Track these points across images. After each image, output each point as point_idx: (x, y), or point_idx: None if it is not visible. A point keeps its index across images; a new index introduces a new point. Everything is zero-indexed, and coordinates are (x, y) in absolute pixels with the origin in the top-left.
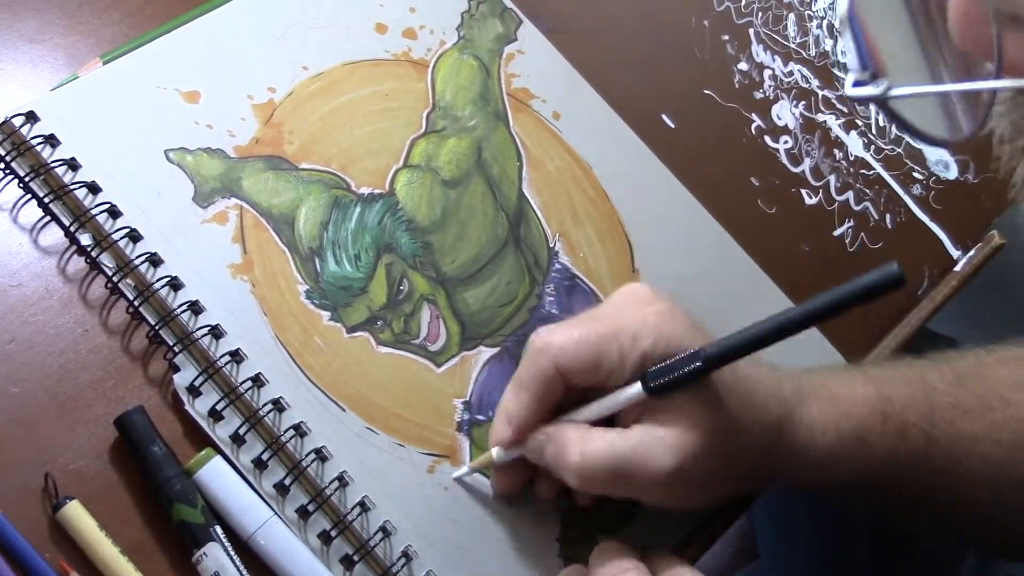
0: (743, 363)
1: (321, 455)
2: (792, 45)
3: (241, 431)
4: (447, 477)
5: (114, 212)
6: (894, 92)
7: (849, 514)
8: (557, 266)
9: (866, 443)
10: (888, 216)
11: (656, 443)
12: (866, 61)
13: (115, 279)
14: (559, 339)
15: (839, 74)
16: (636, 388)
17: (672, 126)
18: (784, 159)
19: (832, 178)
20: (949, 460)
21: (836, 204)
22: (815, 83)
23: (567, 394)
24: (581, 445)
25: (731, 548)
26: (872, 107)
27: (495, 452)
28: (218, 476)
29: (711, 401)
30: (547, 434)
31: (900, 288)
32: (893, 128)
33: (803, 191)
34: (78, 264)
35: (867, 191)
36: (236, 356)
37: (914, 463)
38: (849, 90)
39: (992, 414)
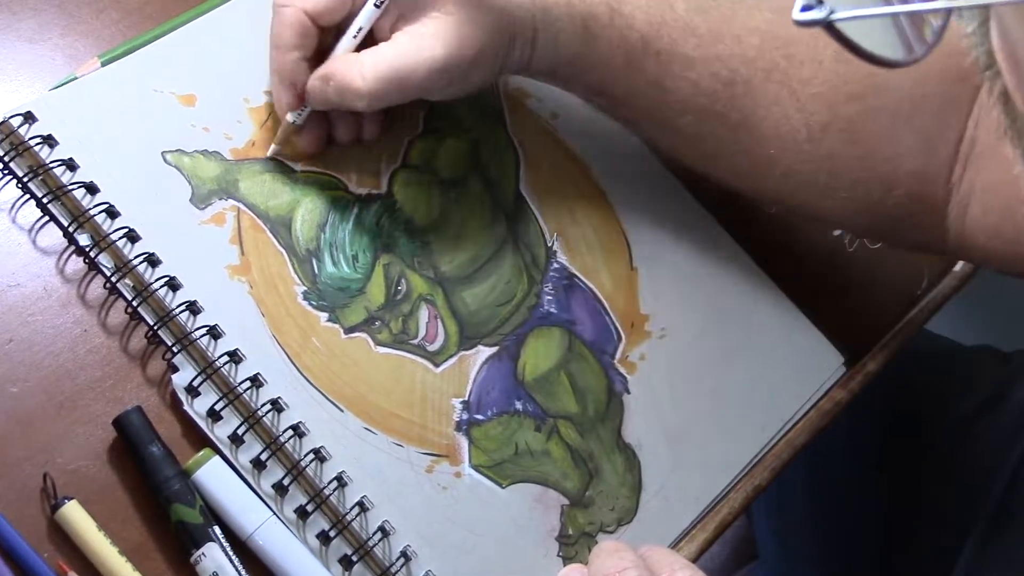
0: None
1: (319, 455)
2: None
3: (239, 431)
4: (446, 477)
5: (112, 212)
6: (838, 15)
7: (848, 513)
8: (555, 265)
9: (590, 31)
10: None
11: (420, 38)
12: None
13: (114, 279)
14: None
15: None
16: (368, 7)
17: None
18: None
19: None
20: (661, 75)
21: None
22: None
23: (324, 38)
24: (358, 68)
25: (729, 548)
26: None
27: (290, 117)
28: (216, 476)
29: None
30: (322, 76)
31: None
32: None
33: None
34: (77, 264)
35: None
36: (234, 356)
37: (629, 66)
38: (796, 15)
39: (719, 47)
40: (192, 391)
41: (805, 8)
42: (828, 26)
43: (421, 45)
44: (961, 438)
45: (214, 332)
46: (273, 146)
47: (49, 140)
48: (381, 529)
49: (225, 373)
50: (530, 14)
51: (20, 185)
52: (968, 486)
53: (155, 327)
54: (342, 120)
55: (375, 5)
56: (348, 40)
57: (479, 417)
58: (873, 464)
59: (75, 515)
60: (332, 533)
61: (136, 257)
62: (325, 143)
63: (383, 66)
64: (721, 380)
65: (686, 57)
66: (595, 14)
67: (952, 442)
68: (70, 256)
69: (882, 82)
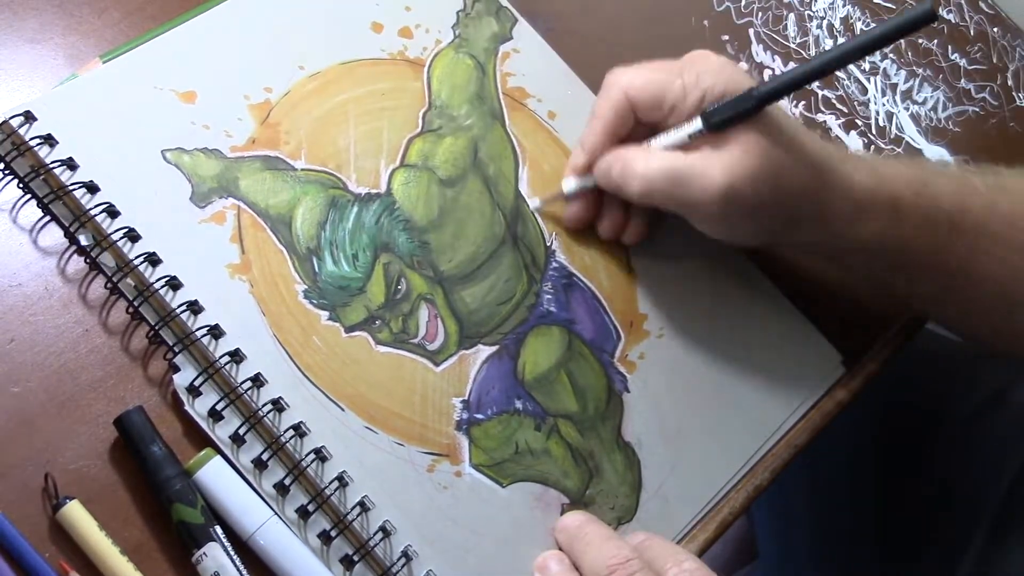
0: (798, 123)
1: (321, 455)
2: (792, 45)
3: (241, 431)
4: (447, 476)
5: (112, 212)
6: None
7: (850, 512)
8: (554, 264)
9: (896, 210)
10: None
11: (712, 160)
12: None
13: (115, 279)
14: (630, 72)
15: (839, 74)
16: (696, 123)
17: None
18: None
19: None
20: (969, 252)
21: None
22: (815, 83)
23: (635, 132)
24: (645, 157)
25: (731, 548)
26: (872, 108)
27: (565, 184)
28: (218, 476)
29: (764, 134)
30: (615, 154)
31: (932, 23)
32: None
33: None
34: (78, 264)
35: None
36: (235, 356)
37: (936, 245)
38: None
39: (1022, 222)
40: (193, 391)
41: None
42: None
43: (710, 166)
44: (962, 438)
45: (215, 332)
46: (537, 199)
47: (49, 140)
48: (382, 529)
49: (226, 373)
50: (828, 196)
51: (21, 185)
52: (969, 487)
53: (156, 327)
54: (610, 213)
55: (688, 136)
56: (653, 143)
57: (479, 416)
58: (873, 465)
59: (76, 515)
60: (333, 533)
61: (137, 257)
62: (586, 225)
63: (666, 163)
64: (720, 380)
65: (992, 233)
66: (901, 196)
67: (953, 443)
68: (71, 256)
69: None
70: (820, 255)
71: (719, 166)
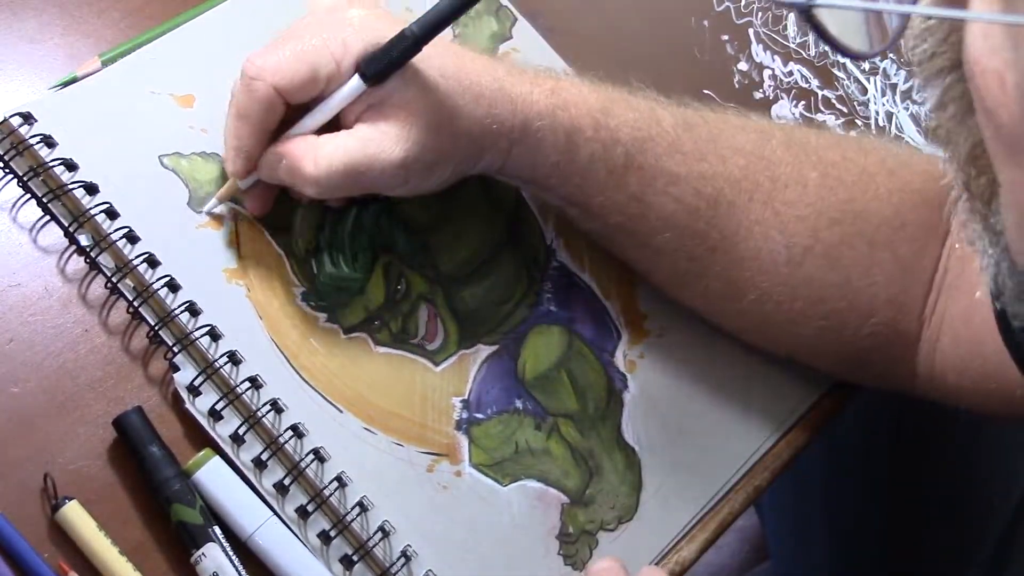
0: (462, 51)
1: (319, 456)
2: (792, 45)
3: (240, 431)
4: (447, 476)
5: (112, 213)
6: (817, 1)
7: (862, 514)
8: (555, 264)
9: (572, 141)
10: None
11: (383, 136)
12: None
13: (114, 279)
14: (272, 61)
15: (839, 74)
16: (354, 82)
17: None
18: None
19: None
20: (643, 189)
21: None
22: (815, 83)
23: (290, 111)
24: (313, 153)
25: (747, 548)
26: (872, 108)
27: (240, 182)
28: (217, 477)
29: (427, 87)
30: (276, 153)
31: None
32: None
33: None
34: (77, 264)
35: None
36: (233, 358)
37: (611, 179)
38: None
39: (702, 165)
40: (193, 391)
41: None
42: (806, 12)
43: (382, 144)
44: (975, 442)
45: (213, 333)
46: (213, 200)
47: (48, 140)
48: (381, 529)
49: (225, 374)
50: (507, 128)
51: (21, 184)
52: (981, 491)
53: (156, 327)
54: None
55: (348, 96)
56: (313, 118)
57: (479, 416)
58: (885, 467)
59: (75, 515)
60: (333, 533)
61: (136, 257)
62: (272, 203)
63: (338, 156)
64: (720, 379)
65: (671, 173)
66: (579, 127)
67: (966, 446)
68: (71, 256)
69: (861, 208)
70: (522, 184)
71: (391, 139)
